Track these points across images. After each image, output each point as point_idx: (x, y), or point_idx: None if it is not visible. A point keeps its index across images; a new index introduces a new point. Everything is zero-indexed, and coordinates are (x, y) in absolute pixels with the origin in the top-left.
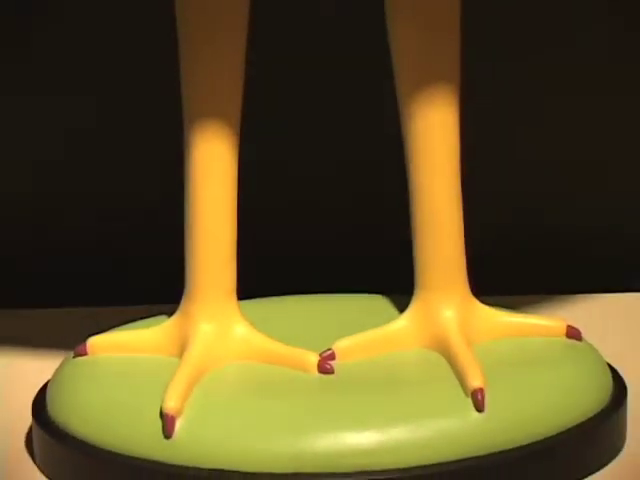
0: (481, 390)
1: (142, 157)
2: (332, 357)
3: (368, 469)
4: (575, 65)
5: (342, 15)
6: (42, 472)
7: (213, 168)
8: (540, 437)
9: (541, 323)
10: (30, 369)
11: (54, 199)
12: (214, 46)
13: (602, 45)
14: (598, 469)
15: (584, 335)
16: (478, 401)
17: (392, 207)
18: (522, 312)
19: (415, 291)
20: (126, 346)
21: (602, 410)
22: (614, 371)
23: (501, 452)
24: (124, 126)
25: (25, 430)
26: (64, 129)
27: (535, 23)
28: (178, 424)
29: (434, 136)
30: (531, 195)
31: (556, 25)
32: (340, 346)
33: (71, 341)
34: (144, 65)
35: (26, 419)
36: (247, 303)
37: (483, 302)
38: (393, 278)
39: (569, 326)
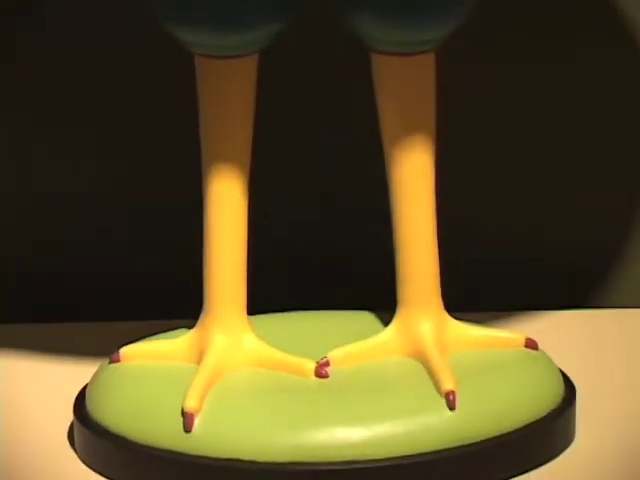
0: (453, 392)
1: (161, 180)
2: (327, 364)
3: (357, 459)
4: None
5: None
6: (82, 461)
7: (226, 199)
8: (503, 431)
9: (503, 335)
10: (66, 375)
11: (84, 220)
12: (227, 99)
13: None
14: (552, 459)
15: (540, 346)
16: (450, 401)
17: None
18: (487, 326)
19: (397, 307)
20: (153, 354)
21: (555, 409)
22: (565, 376)
23: (470, 444)
24: (147, 145)
25: (67, 426)
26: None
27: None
28: (197, 420)
29: (412, 173)
30: (499, 219)
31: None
32: (334, 355)
33: (101, 351)
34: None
35: (68, 417)
36: (255, 318)
37: (454, 317)
38: (379, 294)
39: (527, 338)
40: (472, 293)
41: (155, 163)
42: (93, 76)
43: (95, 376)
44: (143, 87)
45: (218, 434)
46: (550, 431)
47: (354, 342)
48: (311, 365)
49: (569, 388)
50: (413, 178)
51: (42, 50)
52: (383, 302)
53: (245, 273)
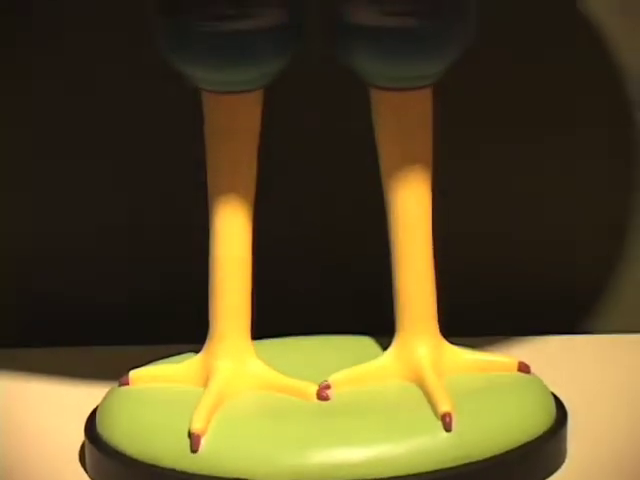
0: (449, 414)
1: (167, 213)
2: (328, 387)
3: (357, 479)
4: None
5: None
6: None
7: (231, 230)
8: (497, 452)
9: (497, 360)
10: (78, 398)
11: (97, 251)
12: (233, 133)
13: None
14: (545, 478)
15: (533, 370)
16: (446, 423)
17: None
18: (481, 350)
19: (395, 333)
20: (161, 378)
21: (547, 430)
22: (557, 399)
23: (466, 464)
24: (151, 177)
25: (78, 446)
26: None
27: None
28: (203, 441)
29: (409, 204)
30: (493, 245)
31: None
32: (334, 378)
33: (111, 374)
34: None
35: (79, 437)
36: (259, 343)
37: (450, 342)
38: (379, 319)
39: (520, 362)
40: (467, 318)
41: (163, 194)
42: (98, 106)
43: (105, 398)
44: (149, 118)
45: (224, 455)
46: (543, 452)
47: (354, 366)
48: (313, 388)
49: (561, 410)
50: (410, 208)
51: (51, 82)
52: (381, 326)
53: (249, 300)
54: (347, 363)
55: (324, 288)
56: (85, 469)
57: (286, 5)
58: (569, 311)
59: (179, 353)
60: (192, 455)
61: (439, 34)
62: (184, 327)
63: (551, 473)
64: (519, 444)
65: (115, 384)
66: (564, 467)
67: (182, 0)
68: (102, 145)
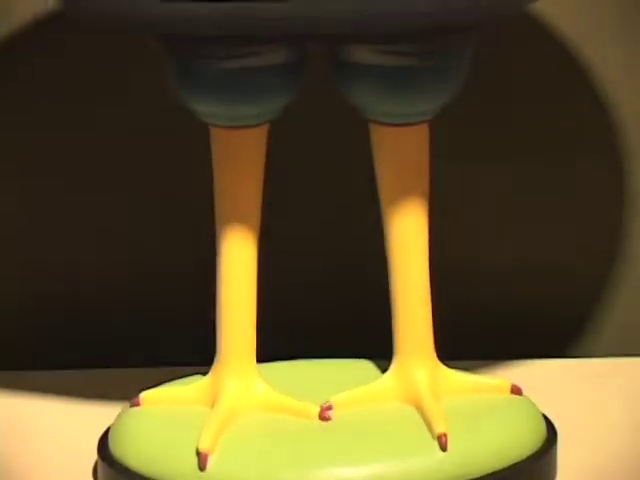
0: (445, 435)
1: (178, 241)
2: (329, 408)
3: None
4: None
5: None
6: None
7: (237, 259)
8: (490, 471)
9: (490, 382)
10: (92, 418)
11: (108, 276)
12: (239, 169)
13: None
14: None
15: (525, 392)
16: (442, 443)
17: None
18: (476, 373)
19: (393, 356)
20: (171, 399)
21: (538, 450)
22: (547, 419)
23: None
24: (163, 204)
25: (92, 464)
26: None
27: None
28: (210, 460)
29: (407, 234)
30: (486, 271)
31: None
32: (336, 399)
33: (123, 396)
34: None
35: (92, 456)
36: (264, 366)
37: (446, 365)
38: (377, 344)
39: (512, 385)
40: (462, 342)
41: (173, 223)
42: (108, 142)
43: (117, 419)
44: (157, 154)
45: (230, 472)
46: (534, 470)
47: (354, 388)
48: (315, 409)
49: (551, 431)
50: (408, 238)
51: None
52: (379, 350)
53: (254, 326)
54: (347, 385)
55: (325, 314)
56: None
57: (289, 44)
58: (559, 336)
59: (189, 375)
60: (200, 473)
61: (436, 73)
62: (192, 351)
63: None
64: (511, 463)
65: (127, 405)
66: None
67: (189, 40)
68: (115, 179)
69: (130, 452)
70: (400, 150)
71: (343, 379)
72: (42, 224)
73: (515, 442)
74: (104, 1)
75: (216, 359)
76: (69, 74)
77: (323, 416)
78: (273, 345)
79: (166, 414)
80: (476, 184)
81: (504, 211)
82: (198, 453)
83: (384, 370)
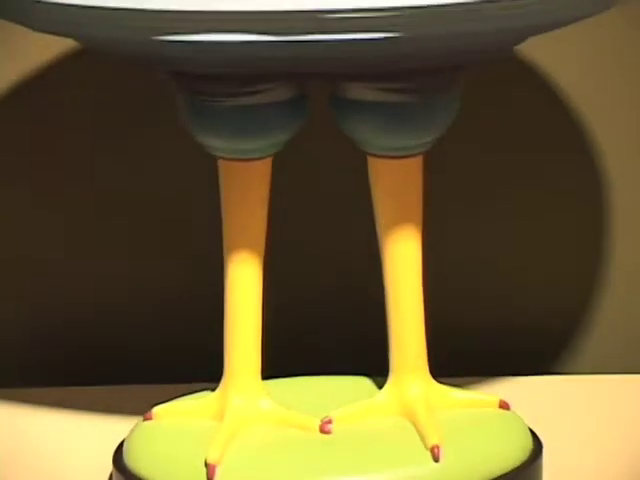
0: (437, 446)
1: (192, 266)
2: (330, 422)
3: None
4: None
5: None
6: None
7: (244, 283)
8: None
9: (480, 398)
10: (108, 431)
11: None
12: (245, 199)
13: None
14: None
15: (512, 407)
16: (435, 454)
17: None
18: (466, 389)
19: (390, 373)
20: (181, 413)
21: (525, 461)
22: (533, 433)
23: None
24: (177, 233)
25: (107, 474)
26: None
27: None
28: (218, 470)
29: (402, 258)
30: (476, 295)
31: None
32: (336, 414)
33: (137, 410)
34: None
35: (108, 466)
36: (268, 382)
37: (439, 382)
38: (374, 361)
39: (501, 400)
40: (454, 360)
41: (182, 248)
42: (121, 172)
43: (131, 432)
44: (168, 185)
45: None
46: (521, 479)
47: (353, 403)
48: (316, 423)
49: (537, 443)
50: (403, 264)
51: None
52: (376, 368)
53: (259, 345)
54: (346, 400)
55: (326, 334)
56: None
57: (292, 82)
58: (544, 354)
59: (198, 391)
60: None
61: (429, 109)
62: (202, 368)
63: None
64: (500, 473)
65: (140, 419)
66: None
67: (198, 79)
68: (122, 205)
69: (143, 463)
70: (396, 181)
71: (342, 395)
72: (74, 249)
73: (503, 454)
74: (119, 41)
75: (224, 376)
76: (99, 106)
77: (323, 429)
78: (277, 362)
79: (177, 427)
80: (463, 213)
81: (490, 237)
82: (207, 464)
83: (381, 386)
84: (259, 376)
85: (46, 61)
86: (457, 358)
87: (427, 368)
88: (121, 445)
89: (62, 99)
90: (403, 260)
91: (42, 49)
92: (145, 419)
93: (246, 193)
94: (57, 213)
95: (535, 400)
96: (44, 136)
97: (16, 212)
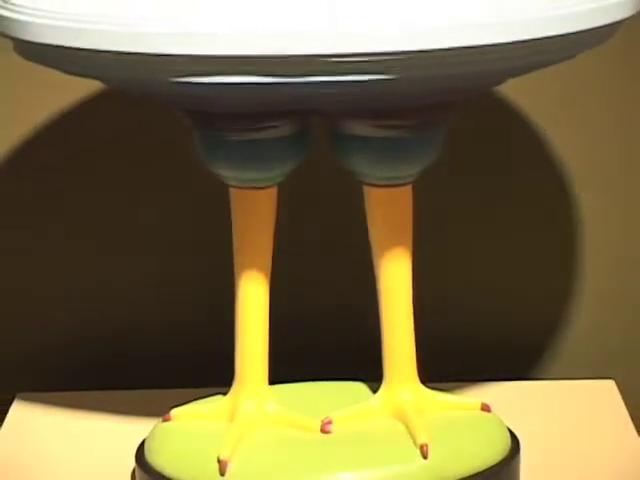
0: (426, 445)
1: (207, 279)
2: (330, 423)
3: None
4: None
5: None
6: None
7: (251, 302)
8: (464, 475)
9: (464, 401)
10: (130, 431)
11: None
12: (254, 223)
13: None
14: None
15: (493, 409)
16: (424, 452)
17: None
18: (452, 393)
19: (383, 379)
20: (196, 415)
21: (504, 458)
22: (512, 432)
23: None
24: (192, 251)
25: (130, 470)
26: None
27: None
28: (229, 466)
29: (394, 280)
30: (462, 306)
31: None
32: (335, 416)
33: (156, 412)
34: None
35: (131, 463)
36: (274, 387)
37: (427, 386)
38: (370, 369)
39: (482, 403)
40: (440, 367)
41: (205, 264)
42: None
43: (152, 432)
44: (183, 213)
45: (246, 477)
46: (500, 475)
47: (351, 406)
48: (317, 424)
49: (515, 442)
50: (395, 283)
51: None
52: (371, 374)
53: (267, 355)
54: (345, 404)
55: (325, 345)
56: None
57: (294, 120)
58: (522, 361)
59: (211, 395)
60: (221, 477)
61: (419, 143)
62: (215, 375)
63: None
64: (482, 469)
65: (159, 420)
66: None
67: (211, 116)
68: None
69: (162, 459)
70: (389, 207)
71: (341, 398)
72: (106, 262)
73: (485, 451)
74: (142, 82)
75: (234, 382)
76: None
77: (324, 429)
78: (283, 370)
79: (192, 427)
80: (446, 236)
81: (471, 253)
82: (219, 460)
83: (375, 391)
84: (266, 382)
85: (75, 99)
86: (443, 365)
87: (416, 374)
88: (142, 443)
89: (92, 132)
90: (395, 278)
91: (73, 90)
92: (164, 420)
93: (254, 217)
94: (90, 240)
95: (514, 403)
96: (76, 165)
97: (52, 241)
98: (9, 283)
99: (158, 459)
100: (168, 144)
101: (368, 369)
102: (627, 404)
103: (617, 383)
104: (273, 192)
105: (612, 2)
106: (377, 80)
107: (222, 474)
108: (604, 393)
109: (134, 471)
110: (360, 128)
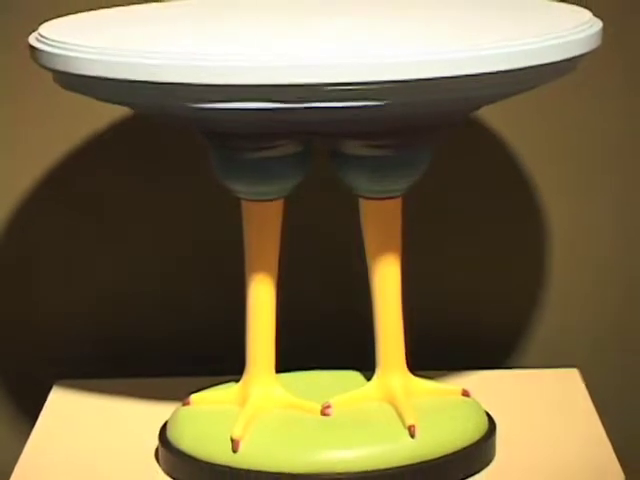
0: (413, 426)
1: (221, 282)
2: (329, 406)
3: (347, 472)
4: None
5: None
6: (165, 473)
7: (260, 302)
8: (447, 452)
9: (446, 387)
10: (154, 414)
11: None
12: (263, 232)
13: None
14: (480, 471)
15: (472, 395)
16: (411, 432)
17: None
18: (436, 381)
19: (376, 368)
20: (213, 400)
21: (482, 437)
22: (489, 415)
23: (425, 461)
24: (206, 261)
25: (154, 449)
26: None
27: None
28: (241, 444)
29: (385, 282)
30: (448, 303)
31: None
32: (334, 400)
33: (177, 397)
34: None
35: (154, 442)
36: (280, 375)
37: (414, 374)
38: (364, 359)
39: (463, 389)
40: (426, 357)
41: (217, 264)
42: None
43: (173, 414)
44: (198, 226)
45: (256, 453)
46: (478, 452)
47: (347, 392)
48: (318, 407)
49: (491, 424)
50: (386, 284)
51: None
52: (366, 363)
53: (274, 346)
54: (342, 389)
55: (327, 338)
56: (159, 464)
57: (299, 140)
58: (497, 353)
59: (226, 382)
60: (233, 454)
61: (409, 161)
62: (229, 364)
63: (484, 467)
64: (462, 447)
65: (180, 404)
66: (493, 463)
67: (225, 136)
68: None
69: (182, 439)
70: (381, 217)
71: (339, 385)
72: (137, 260)
73: (465, 432)
74: (166, 107)
75: (245, 371)
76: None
77: (324, 412)
78: (288, 359)
79: (209, 411)
80: (434, 245)
81: (457, 260)
82: (232, 439)
83: (369, 378)
84: (273, 370)
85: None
86: (428, 355)
87: (405, 364)
88: (165, 425)
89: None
90: (386, 279)
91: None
92: (184, 404)
93: (263, 226)
94: (122, 243)
95: (490, 389)
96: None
97: (86, 242)
98: (48, 282)
99: (178, 438)
100: (179, 160)
101: (363, 359)
102: (589, 389)
103: (580, 371)
104: (280, 204)
105: (569, 39)
106: (367, 106)
107: (234, 451)
108: (569, 380)
109: (157, 449)
110: (355, 148)
